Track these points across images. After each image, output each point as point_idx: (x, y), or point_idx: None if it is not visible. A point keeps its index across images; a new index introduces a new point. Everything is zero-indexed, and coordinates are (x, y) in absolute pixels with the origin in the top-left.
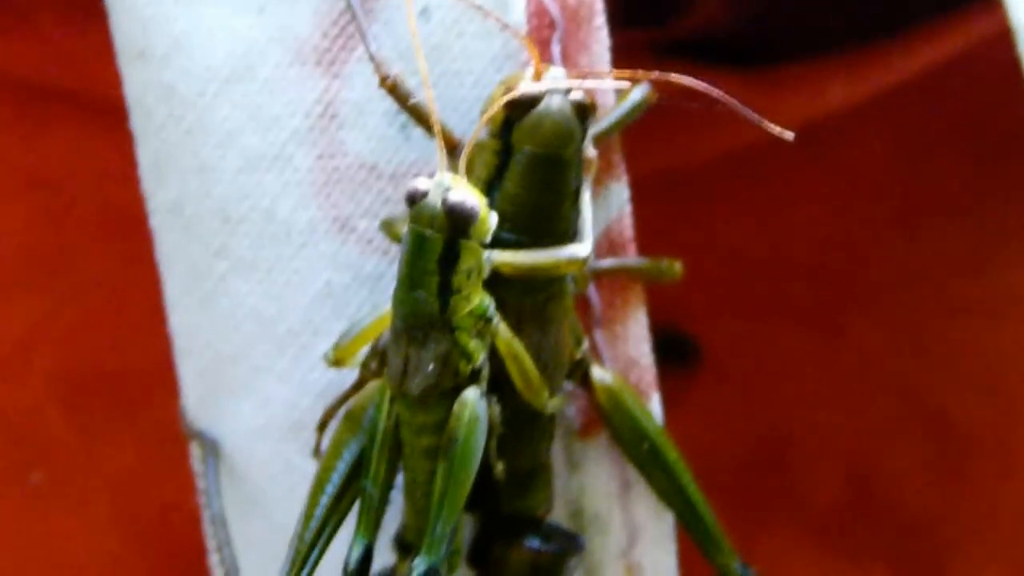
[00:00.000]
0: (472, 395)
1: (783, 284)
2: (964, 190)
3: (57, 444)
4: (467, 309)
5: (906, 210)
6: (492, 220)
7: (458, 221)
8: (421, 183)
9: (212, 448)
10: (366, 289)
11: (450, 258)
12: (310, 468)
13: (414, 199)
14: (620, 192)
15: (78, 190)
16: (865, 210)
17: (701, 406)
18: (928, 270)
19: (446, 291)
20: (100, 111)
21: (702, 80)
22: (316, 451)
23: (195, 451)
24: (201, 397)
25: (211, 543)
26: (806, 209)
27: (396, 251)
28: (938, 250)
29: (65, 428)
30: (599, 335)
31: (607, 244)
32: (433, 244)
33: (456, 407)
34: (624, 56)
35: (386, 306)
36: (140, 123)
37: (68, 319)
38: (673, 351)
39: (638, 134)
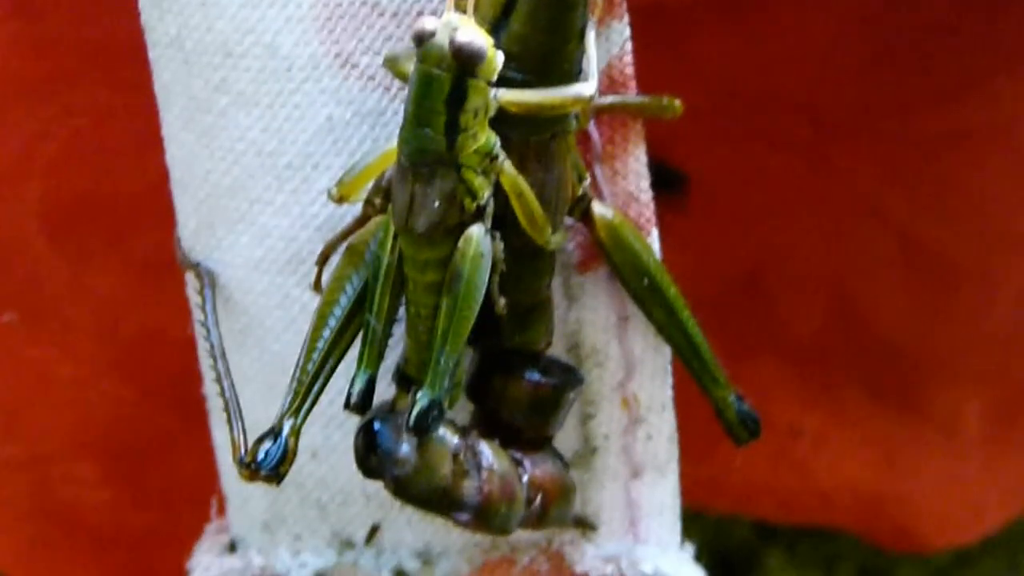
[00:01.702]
0: (477, 231)
1: (770, 116)
2: (953, 21)
3: (44, 272)
4: (473, 147)
5: (896, 42)
6: (499, 60)
7: (466, 61)
8: (429, 23)
9: (209, 279)
10: (367, 125)
11: (457, 97)
12: (308, 300)
13: (422, 39)
14: (621, 31)
15: (63, 17)
16: (853, 41)
17: (686, 236)
18: (913, 100)
19: (453, 129)
20: None
21: None
22: (316, 284)
23: (191, 282)
24: (198, 229)
25: (209, 374)
26: (795, 42)
27: (398, 87)
28: (923, 80)
29: (52, 255)
30: (599, 171)
31: (608, 82)
32: (440, 83)
33: (461, 243)
34: None
35: (388, 142)
36: None
37: (55, 147)
38: (661, 182)
39: None
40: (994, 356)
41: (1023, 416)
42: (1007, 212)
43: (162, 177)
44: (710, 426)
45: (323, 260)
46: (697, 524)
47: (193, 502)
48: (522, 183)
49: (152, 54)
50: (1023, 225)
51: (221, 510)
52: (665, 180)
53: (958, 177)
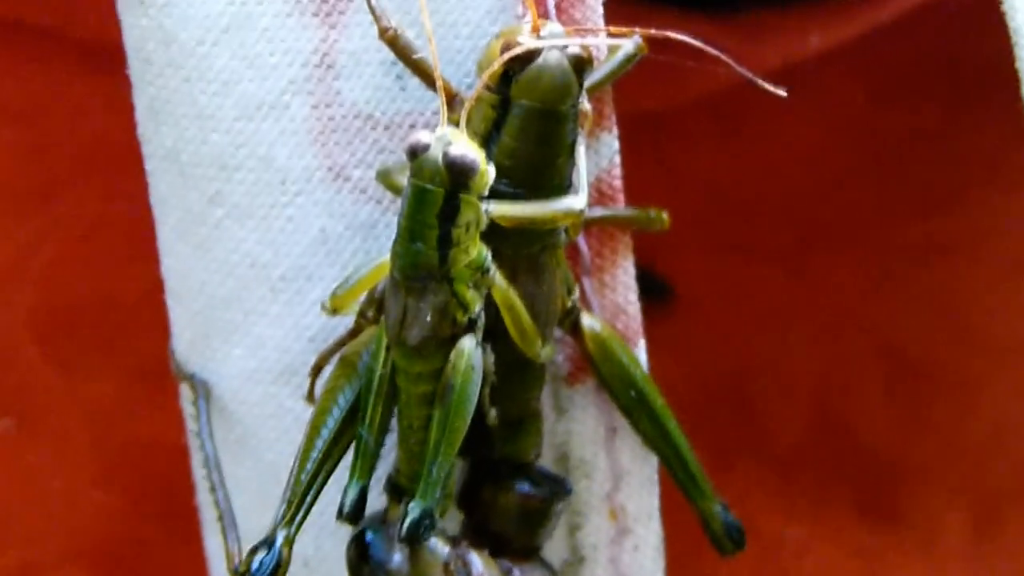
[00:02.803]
0: (468, 344)
1: (753, 224)
2: (936, 132)
3: (35, 380)
4: (465, 261)
5: (877, 152)
6: (491, 174)
7: (459, 175)
8: (423, 137)
9: (203, 390)
10: (359, 237)
11: (450, 212)
12: (301, 411)
13: (415, 153)
14: (610, 143)
15: (54, 125)
16: (836, 152)
17: (669, 342)
18: (895, 210)
19: (445, 244)
20: (75, 49)
21: (686, 28)
22: (310, 396)
23: (186, 393)
24: (192, 340)
25: (203, 485)
26: (779, 151)
27: (390, 200)
28: (905, 190)
29: (44, 364)
30: (588, 283)
31: (597, 194)
32: (433, 198)
33: (453, 356)
34: (614, 5)
35: (380, 254)
36: (138, 69)
37: (46, 255)
38: (647, 289)
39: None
40: (975, 465)
41: (1004, 525)
42: (988, 322)
43: (155, 285)
44: (695, 533)
45: (316, 371)
46: None
47: None
48: (513, 296)
49: (148, 166)
50: (1004, 335)
51: None
52: (651, 289)
53: (940, 287)
